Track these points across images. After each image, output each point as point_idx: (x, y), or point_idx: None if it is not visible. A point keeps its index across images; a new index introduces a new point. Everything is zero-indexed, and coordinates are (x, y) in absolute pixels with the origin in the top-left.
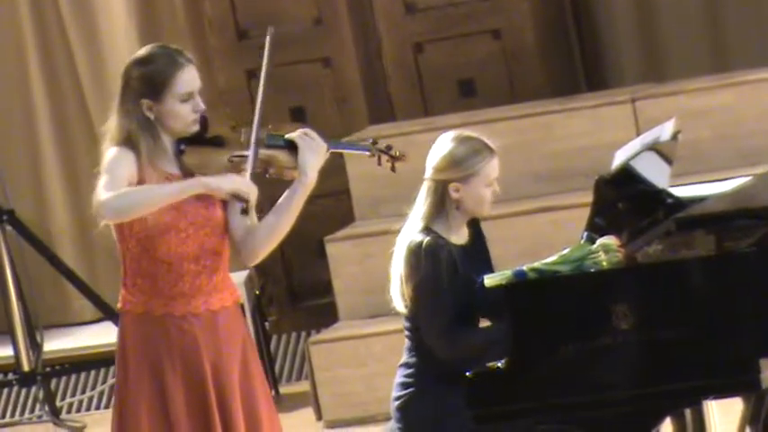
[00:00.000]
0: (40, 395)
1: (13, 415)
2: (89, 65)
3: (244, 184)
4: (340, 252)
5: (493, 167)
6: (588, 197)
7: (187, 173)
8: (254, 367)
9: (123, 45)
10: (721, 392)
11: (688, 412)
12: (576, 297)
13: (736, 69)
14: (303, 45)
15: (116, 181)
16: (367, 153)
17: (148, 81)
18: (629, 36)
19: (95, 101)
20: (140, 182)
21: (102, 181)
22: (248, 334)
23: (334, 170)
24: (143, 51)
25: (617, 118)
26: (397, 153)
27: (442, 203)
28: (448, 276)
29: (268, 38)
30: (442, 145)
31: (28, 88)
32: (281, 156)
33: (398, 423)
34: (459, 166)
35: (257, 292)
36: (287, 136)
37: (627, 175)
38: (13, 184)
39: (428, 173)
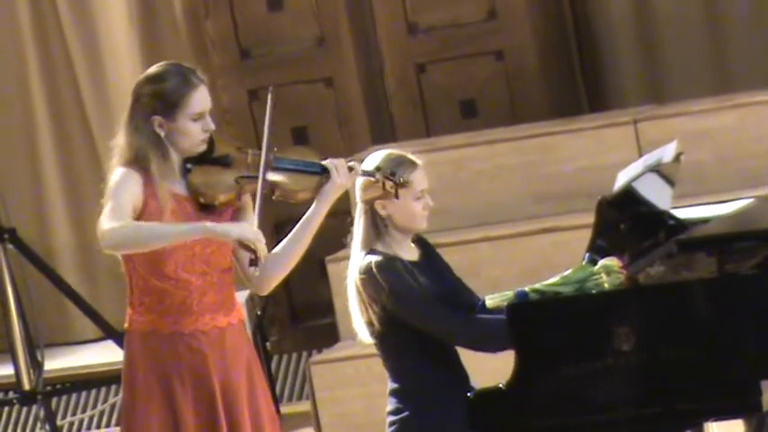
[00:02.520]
0: (41, 414)
1: None
2: (91, 83)
3: (251, 232)
4: (341, 272)
5: (419, 179)
6: (590, 218)
7: (193, 192)
8: (259, 385)
9: (125, 64)
10: (723, 414)
11: None
12: (577, 318)
13: (739, 91)
14: (305, 65)
15: (120, 209)
16: (372, 178)
17: (161, 98)
18: (631, 57)
19: (97, 119)
20: (146, 202)
21: (107, 208)
22: (253, 351)
23: None
24: (156, 69)
25: (619, 139)
26: (402, 180)
27: (375, 225)
28: (413, 277)
29: (270, 98)
30: (365, 166)
31: (29, 106)
32: (289, 179)
33: None
34: (373, 182)
35: (258, 312)
36: (323, 162)
37: (629, 197)
38: (15, 203)
39: (356, 196)
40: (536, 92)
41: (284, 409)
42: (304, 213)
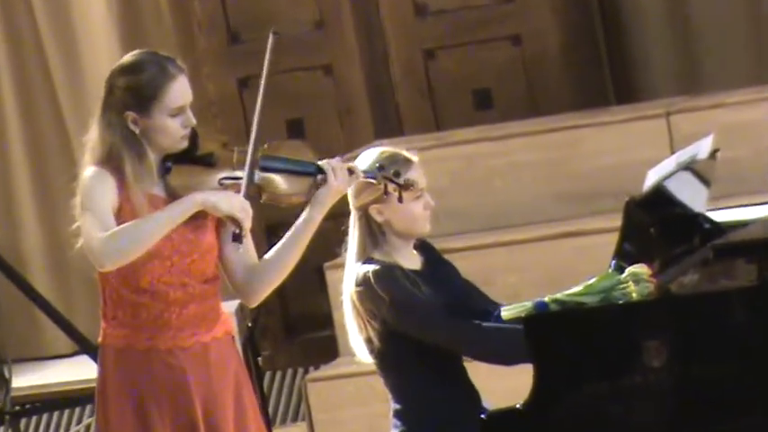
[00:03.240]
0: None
1: None
2: (65, 72)
3: (240, 206)
4: (341, 280)
5: (416, 179)
6: (617, 221)
7: (171, 195)
8: (248, 402)
9: (103, 50)
10: None
11: None
12: (602, 332)
13: None
14: (302, 51)
15: (103, 219)
16: (373, 180)
17: (135, 92)
18: (663, 43)
19: (71, 111)
20: (120, 206)
21: (88, 222)
22: (242, 366)
23: None
24: (130, 58)
25: (649, 134)
26: (406, 181)
27: (371, 232)
28: (414, 287)
29: (270, 41)
30: (361, 167)
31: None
32: (278, 181)
33: None
34: (374, 185)
35: (249, 324)
36: (319, 163)
37: (660, 197)
38: None
39: (350, 204)
40: (557, 81)
41: (277, 431)
42: (298, 215)
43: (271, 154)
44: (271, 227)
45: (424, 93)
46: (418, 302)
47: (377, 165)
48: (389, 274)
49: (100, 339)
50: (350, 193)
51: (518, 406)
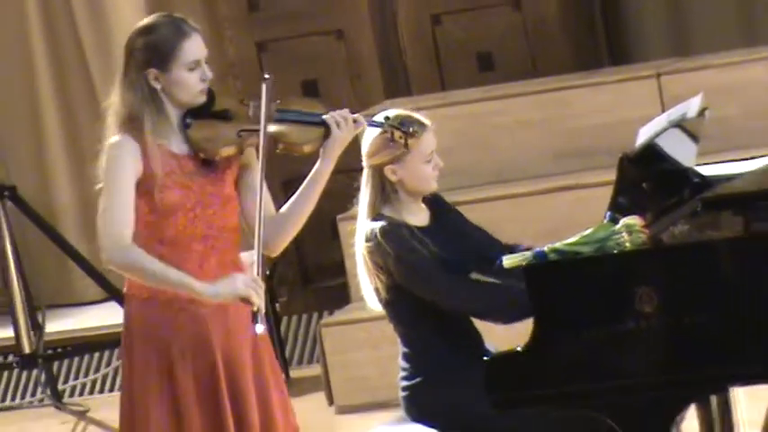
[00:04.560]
0: (42, 378)
1: (13, 399)
2: (94, 37)
3: (243, 286)
4: (353, 231)
5: (427, 142)
6: (611, 175)
7: (194, 147)
8: (266, 354)
9: (129, 17)
10: (749, 379)
11: (714, 399)
12: (597, 279)
13: (767, 43)
14: (315, 17)
15: (122, 208)
16: (379, 128)
17: (154, 50)
18: (654, 7)
19: (100, 75)
20: (146, 170)
21: (108, 208)
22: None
23: (346, 146)
24: (146, 21)
25: (641, 93)
26: (412, 129)
27: (382, 190)
28: (419, 245)
29: (264, 87)
30: (371, 131)
31: (30, 62)
32: (292, 131)
33: (407, 413)
34: (390, 147)
35: (267, 273)
36: (323, 117)
37: (652, 154)
38: (16, 161)
39: (364, 161)
40: (555, 44)
41: (294, 373)
42: (311, 170)
43: (283, 107)
44: (286, 182)
45: (431, 56)
46: (421, 262)
47: (383, 116)
48: (396, 231)
49: (125, 289)
50: (365, 154)
51: (518, 348)
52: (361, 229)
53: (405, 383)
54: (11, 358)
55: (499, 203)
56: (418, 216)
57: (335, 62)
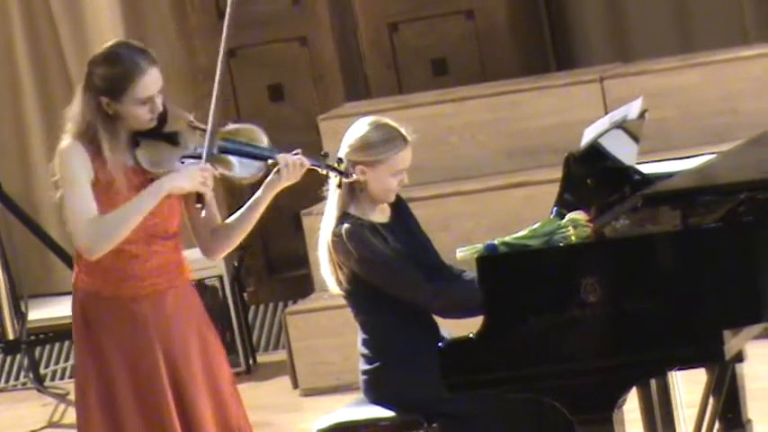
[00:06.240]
0: (25, 363)
1: None
2: (72, 39)
3: (201, 180)
4: (315, 225)
5: (402, 158)
6: (558, 173)
7: (140, 167)
8: (212, 344)
9: (106, 20)
10: (686, 363)
11: (654, 382)
12: (545, 270)
13: (702, 50)
14: (281, 24)
15: (87, 201)
16: (318, 168)
17: (110, 81)
18: (597, 16)
19: (79, 75)
20: (97, 177)
21: (74, 202)
22: (202, 310)
23: (310, 146)
24: (108, 49)
25: (585, 97)
26: (346, 170)
27: (351, 187)
28: (382, 245)
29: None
30: (359, 128)
31: (14, 60)
32: (233, 162)
33: (366, 395)
34: (369, 150)
35: (235, 264)
36: (276, 156)
37: (595, 153)
38: (1, 160)
39: (341, 151)
40: (505, 50)
41: (261, 358)
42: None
43: (229, 137)
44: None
45: (389, 61)
46: (383, 263)
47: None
48: (359, 232)
49: (73, 280)
50: (348, 142)
51: (471, 335)
52: (328, 218)
53: (364, 367)
54: None
55: (453, 199)
56: (381, 214)
57: (299, 67)
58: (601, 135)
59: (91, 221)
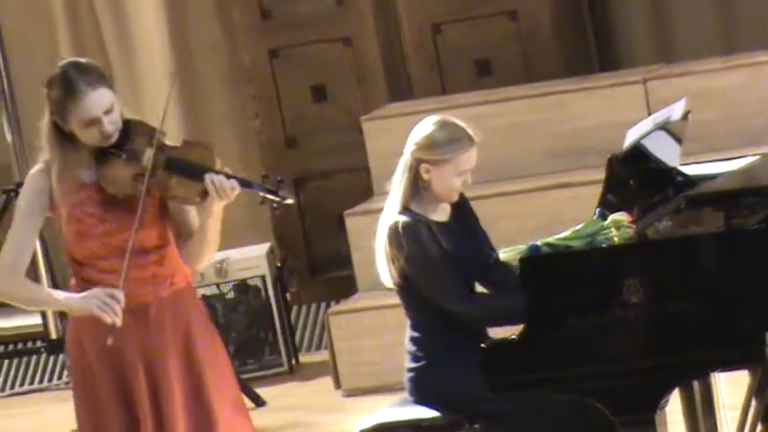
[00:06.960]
0: (67, 363)
1: (41, 381)
2: (115, 36)
3: (99, 304)
4: (358, 226)
5: (467, 158)
6: (601, 174)
7: (100, 181)
8: (203, 360)
9: (149, 16)
10: (728, 365)
11: (696, 384)
12: (587, 271)
13: (745, 51)
14: (324, 25)
15: (14, 242)
16: (254, 191)
17: (54, 104)
18: (641, 18)
19: (122, 72)
20: (52, 201)
21: (10, 232)
22: (196, 320)
23: (353, 146)
24: (57, 69)
25: (629, 98)
26: (281, 196)
27: (415, 183)
28: (433, 247)
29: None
30: (425, 126)
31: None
32: (177, 183)
33: (411, 395)
34: (435, 149)
35: (278, 265)
36: (204, 178)
37: (638, 154)
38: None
39: (407, 148)
40: (549, 51)
41: (303, 358)
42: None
43: (178, 156)
44: (298, 179)
45: (432, 62)
46: (429, 267)
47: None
48: (415, 228)
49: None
50: (414, 139)
51: (513, 337)
52: (389, 210)
53: (410, 365)
54: (39, 343)
55: (496, 200)
56: (442, 213)
57: (343, 67)
58: (644, 136)
59: (4, 268)
